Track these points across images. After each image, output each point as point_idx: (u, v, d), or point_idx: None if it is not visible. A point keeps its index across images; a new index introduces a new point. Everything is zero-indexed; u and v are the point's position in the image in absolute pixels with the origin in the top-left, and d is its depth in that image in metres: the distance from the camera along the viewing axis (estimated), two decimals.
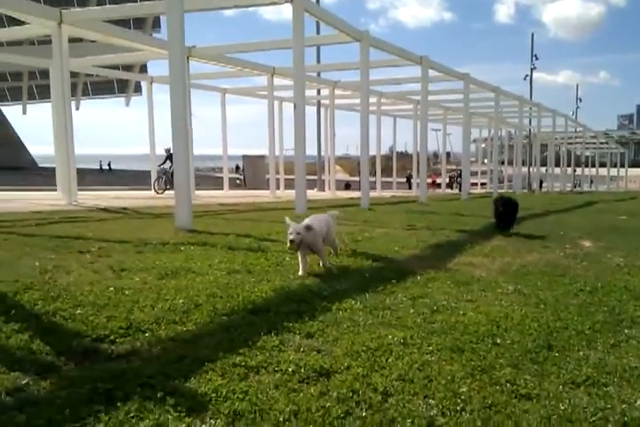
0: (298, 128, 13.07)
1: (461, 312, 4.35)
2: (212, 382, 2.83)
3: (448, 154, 50.60)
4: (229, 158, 27.67)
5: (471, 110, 27.43)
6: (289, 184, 25.17)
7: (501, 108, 30.80)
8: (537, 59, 57.46)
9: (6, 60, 20.91)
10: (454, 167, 56.17)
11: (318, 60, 27.74)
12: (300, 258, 5.67)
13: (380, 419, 2.49)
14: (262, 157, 37.59)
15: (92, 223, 10.20)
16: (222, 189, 25.96)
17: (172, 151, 20.91)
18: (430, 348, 3.48)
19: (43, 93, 46.14)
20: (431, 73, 20.02)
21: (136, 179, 32.94)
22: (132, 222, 10.48)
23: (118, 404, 2.53)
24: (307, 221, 5.81)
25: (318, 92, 28.59)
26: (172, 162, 21.02)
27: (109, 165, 55.92)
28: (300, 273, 5.55)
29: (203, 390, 2.74)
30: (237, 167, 44.03)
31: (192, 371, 2.97)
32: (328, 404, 2.61)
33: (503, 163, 40.99)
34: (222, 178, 27.14)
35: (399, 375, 3.00)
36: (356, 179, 37.14)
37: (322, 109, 29.56)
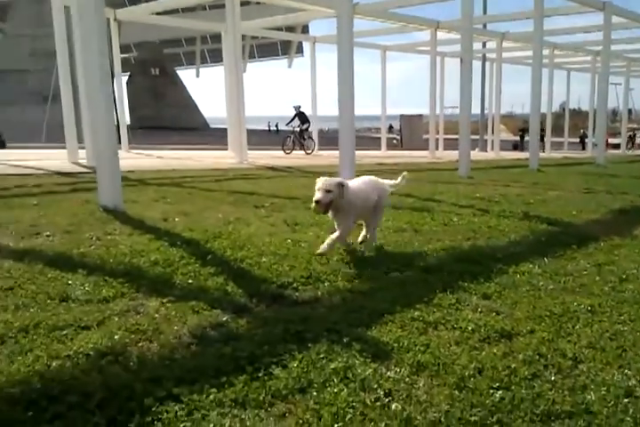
0: (464, 84, 12.52)
1: None
2: (393, 333, 2.92)
3: (629, 111, 45.33)
4: (386, 118, 27.47)
5: None
6: (448, 144, 24.51)
7: None
8: None
9: (183, 25, 22.46)
10: (635, 126, 50.45)
11: (484, 11, 26.14)
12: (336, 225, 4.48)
13: (571, 384, 2.40)
14: (420, 116, 36.86)
15: (262, 180, 10.85)
16: (379, 149, 25.97)
17: (301, 110, 21.29)
18: (622, 317, 3.24)
19: (214, 57, 49.18)
20: (614, 20, 17.88)
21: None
22: (298, 180, 10.95)
23: (309, 344, 2.72)
24: (354, 181, 4.66)
25: (484, 45, 27.01)
26: (302, 121, 21.28)
27: (277, 126, 58.28)
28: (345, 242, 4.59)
29: (385, 340, 2.84)
30: (391, 127, 43.50)
31: (372, 321, 3.08)
32: (513, 364, 2.57)
33: None
34: (379, 138, 27.11)
35: (589, 343, 2.85)
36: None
37: (487, 64, 27.99)
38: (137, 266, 4.06)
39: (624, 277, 4.09)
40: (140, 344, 2.73)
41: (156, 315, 3.10)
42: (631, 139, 39.08)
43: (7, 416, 2.00)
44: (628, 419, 2.13)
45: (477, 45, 26.00)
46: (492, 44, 25.62)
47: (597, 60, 23.97)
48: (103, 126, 6.62)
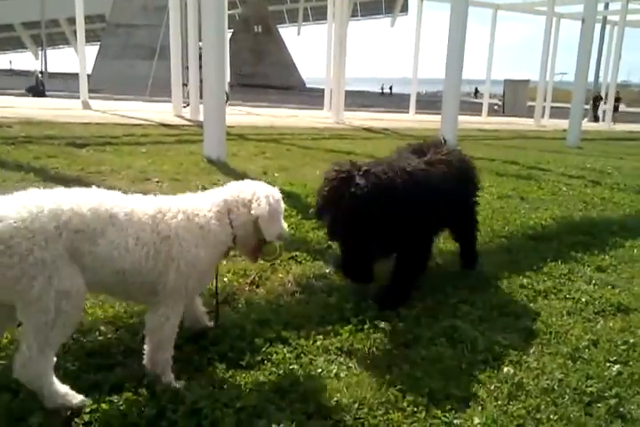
0: (583, 48, 11.63)
1: None
2: (499, 298, 2.84)
3: None
4: (489, 83, 26.20)
5: None
6: (554, 113, 23.13)
7: None
8: None
9: None
10: None
11: None
12: None
13: None
14: (526, 81, 34.86)
15: (358, 141, 10.75)
16: (480, 115, 24.94)
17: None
18: None
19: (317, 15, 48.64)
20: None
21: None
22: (394, 142, 10.75)
23: (414, 302, 2.69)
24: None
25: (606, 6, 24.81)
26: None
27: (390, 88, 56.69)
28: None
29: (492, 303, 2.75)
30: (476, 91, 41.20)
31: (479, 284, 2.99)
32: (632, 340, 2.42)
33: None
34: (480, 104, 25.99)
35: None
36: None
37: (607, 27, 25.81)
38: None
39: None
40: (247, 288, 2.81)
41: (261, 262, 3.17)
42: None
43: (127, 345, 2.12)
44: None
45: (599, 6, 23.94)
46: (615, 6, 23.51)
47: None
48: (213, 82, 6.76)
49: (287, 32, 58.85)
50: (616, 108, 25.23)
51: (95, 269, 1.69)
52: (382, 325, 2.41)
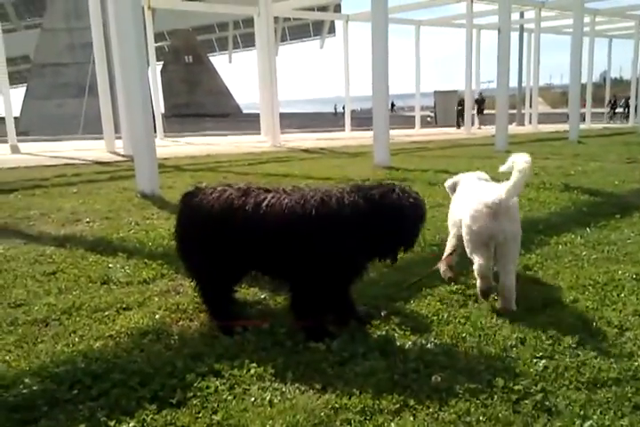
0: (501, 56, 12.17)
1: None
2: (432, 307, 2.89)
3: None
4: (420, 96, 26.95)
5: None
6: (484, 120, 24.01)
7: None
8: None
9: (216, 10, 22.37)
10: None
11: None
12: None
13: (618, 352, 2.33)
14: (454, 92, 36.08)
15: (295, 162, 10.84)
16: (413, 127, 25.60)
17: None
18: None
19: (246, 42, 49.06)
20: None
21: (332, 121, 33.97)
22: (331, 161, 10.91)
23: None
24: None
25: (521, 15, 26.10)
26: None
27: (343, 108, 56.90)
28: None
29: (424, 313, 2.81)
30: (392, 105, 42.02)
31: (411, 295, 3.05)
32: (558, 334, 2.51)
33: None
34: (412, 117, 26.72)
35: (635, 311, 2.77)
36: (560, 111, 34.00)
37: (525, 35, 27.09)
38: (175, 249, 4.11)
39: None
40: (180, 323, 2.78)
41: (196, 295, 3.14)
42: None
43: (53, 395, 2.06)
44: None
45: (514, 16, 25.14)
46: (529, 15, 24.77)
47: None
48: (140, 115, 6.71)
49: (219, 60, 59.01)
50: (481, 111, 26.10)
51: None
52: (316, 345, 2.42)
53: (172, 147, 15.69)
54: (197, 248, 2.64)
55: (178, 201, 2.79)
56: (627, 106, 33.11)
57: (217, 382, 2.14)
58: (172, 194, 6.68)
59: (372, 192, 2.48)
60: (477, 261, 2.86)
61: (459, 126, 25.60)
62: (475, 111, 25.25)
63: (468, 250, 2.97)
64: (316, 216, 2.39)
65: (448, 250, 3.39)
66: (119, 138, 13.14)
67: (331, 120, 34.94)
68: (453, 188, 3.68)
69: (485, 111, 26.24)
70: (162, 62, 45.17)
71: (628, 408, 1.94)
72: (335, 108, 57.14)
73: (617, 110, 34.61)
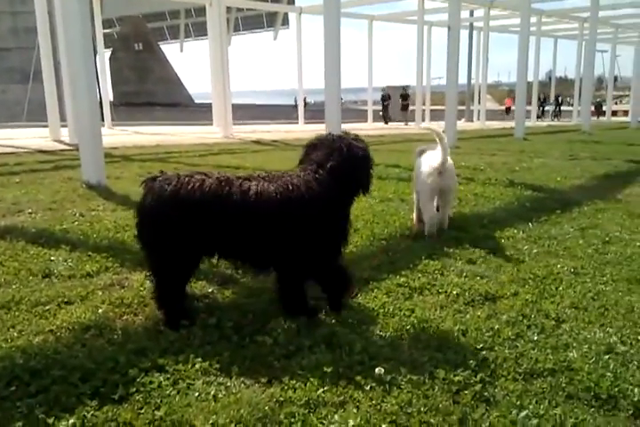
0: (451, 54, 12.38)
1: (637, 244, 4.02)
2: (379, 300, 2.94)
3: (615, 78, 44.92)
4: (373, 90, 27.15)
5: None
6: (435, 116, 24.38)
7: None
8: None
9: None
10: (621, 93, 50.23)
11: None
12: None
13: (554, 343, 2.43)
14: (407, 87, 36.50)
15: (248, 154, 10.75)
16: (366, 121, 25.78)
17: None
18: (604, 278, 3.28)
19: (198, 31, 48.07)
20: None
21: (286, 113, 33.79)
22: (284, 153, 10.87)
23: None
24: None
25: (471, 13, 26.61)
26: None
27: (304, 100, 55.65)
28: None
29: (370, 306, 2.85)
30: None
31: (359, 289, 3.09)
32: (497, 326, 2.59)
33: None
34: (365, 111, 26.89)
35: (571, 303, 2.89)
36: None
37: (474, 33, 27.65)
38: (121, 241, 4.03)
39: (607, 239, 4.13)
40: (124, 317, 2.72)
41: (141, 288, 3.09)
42: (596, 107, 37.57)
43: None
44: (609, 374, 2.16)
45: (465, 14, 25.61)
46: (479, 13, 25.27)
47: (585, 26, 23.75)
48: (86, 103, 6.50)
49: (170, 48, 57.70)
50: (405, 107, 25.96)
51: None
52: (263, 339, 2.42)
53: (121, 136, 15.31)
54: (169, 235, 2.53)
55: (144, 186, 2.59)
56: (557, 104, 34.14)
57: (160, 378, 2.11)
58: (120, 184, 6.54)
59: (332, 164, 2.61)
60: (429, 211, 4.14)
61: (386, 122, 25.65)
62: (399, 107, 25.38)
63: (422, 202, 4.22)
64: (309, 199, 2.52)
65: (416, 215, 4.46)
66: (65, 126, 12.71)
67: (286, 112, 34.74)
68: (420, 153, 4.58)
69: (433, 107, 26.47)
70: (110, 49, 43.91)
71: (561, 398, 2.03)
72: (295, 101, 56.73)
73: (546, 108, 35.52)
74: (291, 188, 2.52)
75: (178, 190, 2.48)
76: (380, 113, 27.22)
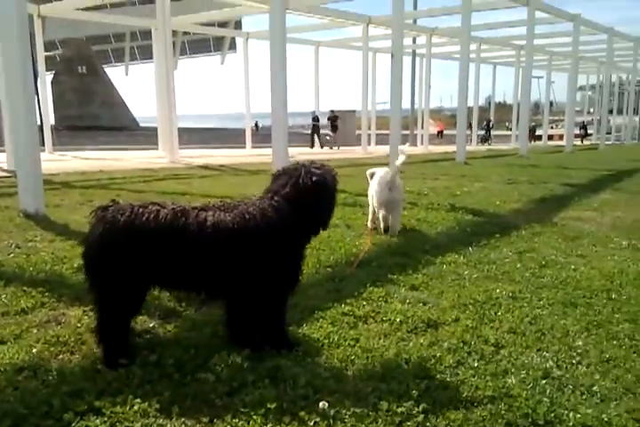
0: (394, 80, 12.73)
1: (572, 267, 4.19)
2: (324, 330, 2.94)
3: (550, 104, 47.13)
4: (320, 115, 27.51)
5: (579, 54, 25.34)
6: (380, 140, 24.86)
7: (614, 51, 28.26)
8: None
9: (111, 21, 21.70)
10: (556, 118, 52.66)
11: (415, 7, 26.51)
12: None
13: (493, 369, 2.49)
14: (352, 111, 37.19)
15: (194, 180, 10.64)
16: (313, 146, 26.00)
17: None
18: (541, 302, 3.40)
19: (144, 54, 47.69)
20: (537, 15, 18.64)
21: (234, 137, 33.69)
22: (231, 179, 10.83)
23: (237, 347, 2.68)
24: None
25: (414, 40, 27.52)
26: None
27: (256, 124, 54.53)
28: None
29: (315, 337, 2.85)
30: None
31: (304, 318, 3.08)
32: (439, 353, 2.63)
33: (611, 112, 37.91)
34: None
35: (510, 328, 2.97)
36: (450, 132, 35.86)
37: (417, 59, 28.56)
38: (59, 273, 3.89)
39: (543, 263, 4.29)
40: (60, 357, 2.62)
41: (79, 324, 2.99)
42: (531, 132, 38.79)
43: None
44: (545, 399, 2.22)
45: (408, 41, 26.49)
46: (421, 40, 26.17)
47: (521, 54, 24.90)
48: (23, 127, 6.31)
49: (115, 71, 56.80)
50: (335, 128, 25.91)
51: None
52: (205, 376, 2.37)
53: (62, 161, 14.89)
54: (123, 267, 2.45)
55: (94, 216, 2.52)
56: (487, 129, 35.08)
57: (97, 421, 2.04)
58: (59, 213, 6.34)
59: (286, 191, 2.62)
60: (382, 213, 5.37)
61: (312, 146, 25.41)
62: (328, 130, 25.56)
63: (376, 208, 5.42)
64: (265, 228, 2.51)
65: (370, 218, 5.62)
66: (2, 151, 12.27)
67: (235, 136, 34.68)
68: (372, 175, 5.70)
69: (379, 131, 26.82)
70: (53, 72, 42.97)
71: (501, 425, 2.07)
72: (256, 124, 56.42)
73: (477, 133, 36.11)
74: (247, 217, 2.53)
75: (132, 221, 2.44)
76: (327, 137, 27.38)
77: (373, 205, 5.47)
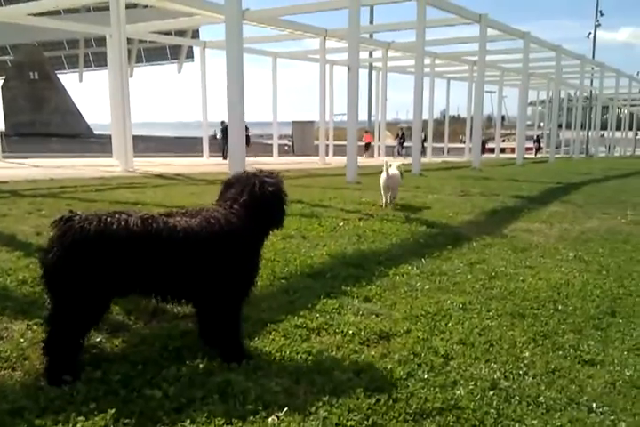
0: (351, 92, 12.86)
1: (521, 278, 4.29)
2: (276, 343, 2.92)
3: (502, 118, 48.45)
4: (278, 125, 27.55)
5: (529, 71, 26.23)
6: (338, 151, 25.04)
7: (561, 68, 29.38)
8: (602, 15, 53.22)
9: (64, 27, 21.22)
10: (508, 132, 54.15)
11: (371, 21, 26.92)
12: None
13: (443, 381, 2.52)
14: (311, 122, 37.40)
15: (148, 189, 10.45)
16: (271, 155, 26.00)
17: None
18: (490, 313, 3.47)
19: (99, 61, 46.77)
20: (489, 32, 19.23)
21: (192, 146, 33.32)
22: (187, 189, 10.69)
23: (187, 362, 2.64)
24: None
25: (370, 54, 27.95)
26: None
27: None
28: None
29: (267, 350, 2.83)
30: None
31: (256, 331, 3.06)
32: (390, 365, 2.65)
33: (560, 126, 39.31)
34: (271, 145, 27.15)
35: (460, 340, 3.02)
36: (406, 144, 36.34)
37: (374, 72, 28.97)
38: (3, 286, 3.75)
39: (493, 274, 4.39)
40: (0, 373, 2.52)
41: (22, 339, 2.88)
42: (482, 145, 38.48)
43: None
44: (492, 411, 2.26)
45: (364, 54, 26.89)
46: (378, 54, 26.58)
47: (474, 69, 25.57)
48: None
49: (68, 78, 55.45)
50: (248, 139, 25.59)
51: None
52: (152, 392, 2.32)
53: (11, 169, 14.42)
54: (93, 277, 2.40)
55: (56, 226, 2.42)
56: (402, 142, 34.71)
57: None
58: (6, 223, 6.12)
59: (244, 199, 2.74)
60: (384, 193, 7.99)
61: (224, 157, 24.29)
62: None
63: (382, 190, 8.01)
64: (230, 231, 2.62)
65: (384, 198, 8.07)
66: None
67: (192, 145, 34.28)
68: (386, 163, 8.25)
69: (337, 142, 26.82)
70: (3, 77, 41.72)
71: None
72: (215, 132, 55.64)
73: (405, 144, 35.61)
74: (212, 221, 2.62)
75: (103, 230, 2.40)
76: (286, 147, 27.37)
77: (382, 186, 8.05)
